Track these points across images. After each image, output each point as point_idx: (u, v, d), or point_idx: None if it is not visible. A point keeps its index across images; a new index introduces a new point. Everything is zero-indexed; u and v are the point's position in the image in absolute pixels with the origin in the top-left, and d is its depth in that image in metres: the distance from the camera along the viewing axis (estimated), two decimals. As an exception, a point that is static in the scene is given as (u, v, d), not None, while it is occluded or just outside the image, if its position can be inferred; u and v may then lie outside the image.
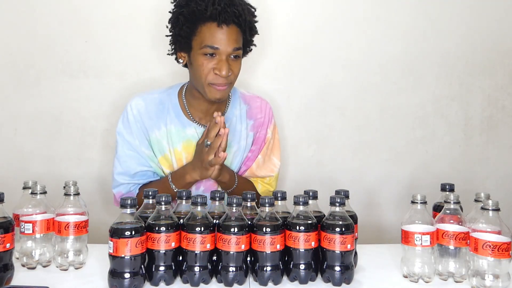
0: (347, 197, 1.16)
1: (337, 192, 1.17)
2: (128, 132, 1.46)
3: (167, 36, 1.45)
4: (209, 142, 1.31)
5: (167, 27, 1.44)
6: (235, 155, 1.53)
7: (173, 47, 1.46)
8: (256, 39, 1.48)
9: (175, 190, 1.38)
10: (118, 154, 1.48)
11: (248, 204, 1.10)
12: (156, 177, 1.50)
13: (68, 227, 1.12)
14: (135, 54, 1.97)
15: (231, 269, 1.04)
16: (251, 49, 1.50)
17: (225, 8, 1.33)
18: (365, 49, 2.05)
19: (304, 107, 2.06)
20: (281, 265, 1.06)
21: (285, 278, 1.08)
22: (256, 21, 1.46)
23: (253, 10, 1.45)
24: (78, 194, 1.18)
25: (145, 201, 1.13)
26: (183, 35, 1.38)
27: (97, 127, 1.97)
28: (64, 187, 1.20)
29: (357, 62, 2.05)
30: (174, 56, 1.48)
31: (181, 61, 1.44)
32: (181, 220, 1.06)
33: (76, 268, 1.15)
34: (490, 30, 2.09)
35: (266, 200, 1.06)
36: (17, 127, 1.98)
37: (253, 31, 1.45)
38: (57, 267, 1.15)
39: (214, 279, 1.07)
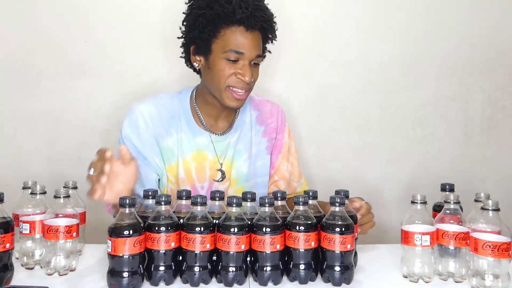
0: (347, 197, 1.16)
1: (337, 192, 1.16)
2: (137, 138, 1.37)
3: (179, 38, 1.38)
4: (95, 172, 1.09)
5: (180, 28, 1.38)
6: (247, 163, 1.47)
7: (185, 50, 1.38)
8: None
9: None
10: None
11: (248, 204, 1.10)
12: (157, 186, 1.40)
13: (57, 231, 1.07)
14: (135, 54, 1.97)
15: (231, 269, 1.03)
16: (265, 56, 1.43)
17: (253, 13, 1.28)
18: (365, 49, 2.05)
19: (304, 107, 2.05)
20: (281, 265, 1.06)
21: (285, 278, 1.08)
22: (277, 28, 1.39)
23: (274, 16, 1.38)
24: (68, 196, 1.13)
25: (145, 202, 1.13)
26: (202, 38, 1.31)
27: (97, 127, 1.97)
28: (64, 187, 1.20)
29: (357, 62, 2.05)
30: (184, 60, 1.41)
31: (196, 64, 1.36)
32: (181, 220, 1.06)
33: (62, 275, 1.09)
34: (490, 30, 2.08)
35: (266, 200, 1.06)
36: (17, 127, 1.98)
37: (275, 37, 1.39)
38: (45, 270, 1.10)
39: (214, 279, 1.07)
